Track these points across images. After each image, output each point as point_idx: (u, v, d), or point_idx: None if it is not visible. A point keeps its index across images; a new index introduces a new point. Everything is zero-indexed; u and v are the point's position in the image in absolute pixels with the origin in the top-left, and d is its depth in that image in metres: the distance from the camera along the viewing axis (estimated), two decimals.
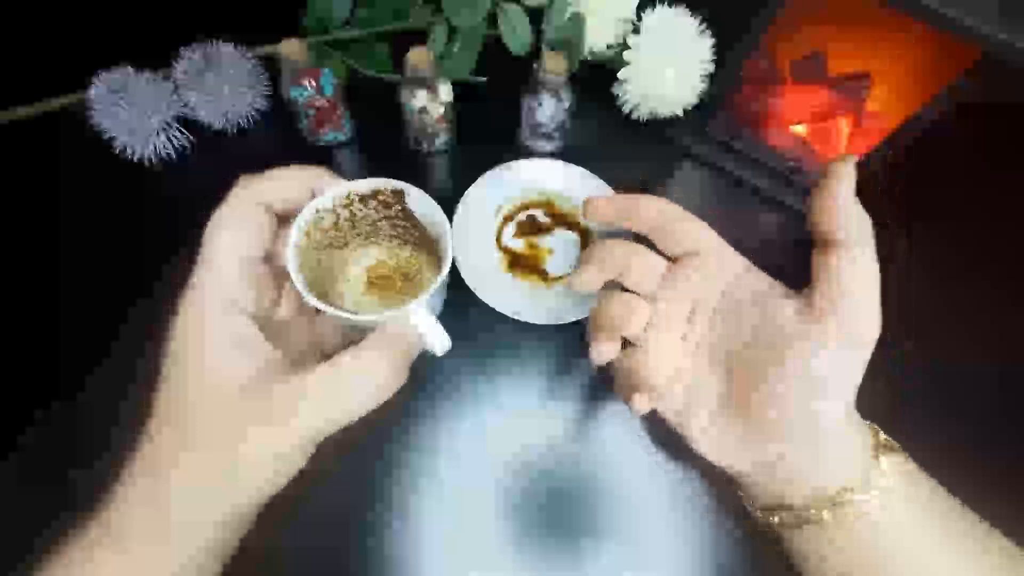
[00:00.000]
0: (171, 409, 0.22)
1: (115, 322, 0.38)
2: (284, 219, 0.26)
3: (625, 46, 0.46)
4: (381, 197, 0.28)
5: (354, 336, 0.26)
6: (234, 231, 0.23)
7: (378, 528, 0.34)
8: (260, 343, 0.22)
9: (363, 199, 0.28)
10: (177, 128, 0.44)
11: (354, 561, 0.33)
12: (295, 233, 0.25)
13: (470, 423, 0.37)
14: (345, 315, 0.24)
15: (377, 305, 0.30)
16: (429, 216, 0.28)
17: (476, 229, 0.43)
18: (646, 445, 0.37)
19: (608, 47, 0.48)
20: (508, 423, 0.37)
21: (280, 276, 0.26)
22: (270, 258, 0.25)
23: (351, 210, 0.28)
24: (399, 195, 0.28)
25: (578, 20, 0.45)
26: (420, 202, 0.28)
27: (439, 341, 0.25)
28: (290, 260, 0.24)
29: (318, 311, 0.24)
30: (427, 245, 0.30)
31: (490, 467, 0.36)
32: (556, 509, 0.35)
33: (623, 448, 0.37)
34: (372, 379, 0.22)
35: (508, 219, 0.45)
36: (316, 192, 0.26)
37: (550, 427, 0.37)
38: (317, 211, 0.26)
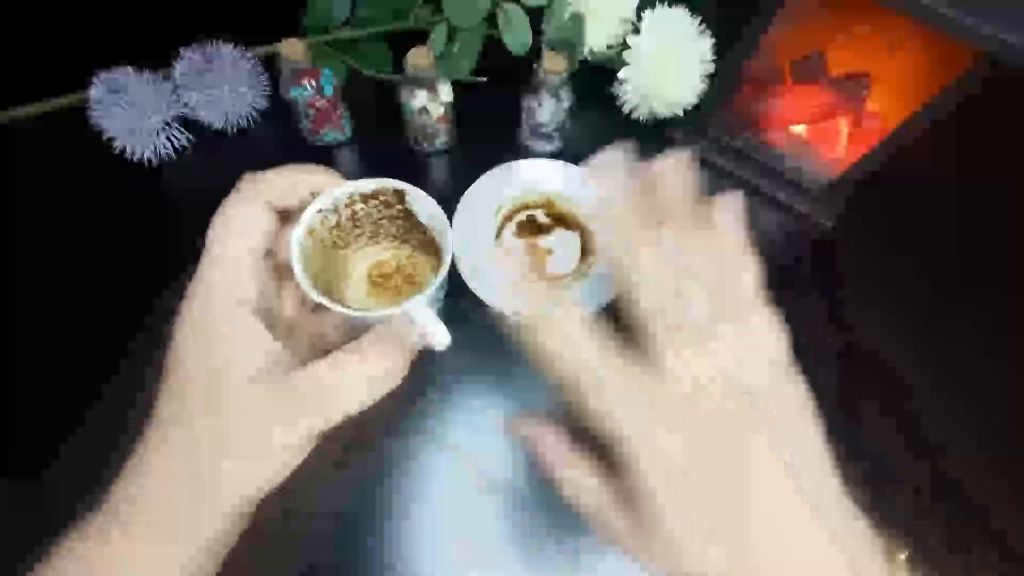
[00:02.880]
0: (177, 402, 0.22)
1: (115, 321, 0.38)
2: (286, 216, 0.26)
3: (625, 46, 0.46)
4: (382, 197, 0.28)
5: (356, 333, 0.26)
6: (239, 228, 0.24)
7: (378, 526, 0.34)
8: (265, 338, 0.23)
9: (365, 198, 0.28)
10: (177, 128, 0.44)
11: (354, 560, 0.33)
12: (300, 232, 0.25)
13: (471, 422, 0.37)
14: (346, 311, 0.24)
15: (379, 304, 0.30)
16: (429, 216, 0.28)
17: (476, 229, 0.43)
18: None
19: (608, 47, 0.48)
20: (508, 422, 0.37)
21: (281, 273, 0.26)
22: (271, 255, 0.25)
23: (353, 209, 0.28)
24: (400, 195, 0.28)
25: (578, 20, 0.45)
26: (420, 202, 0.28)
27: (439, 336, 0.25)
28: (295, 259, 0.25)
29: (317, 307, 0.24)
30: (428, 244, 0.31)
31: (490, 466, 0.36)
32: (556, 508, 0.35)
33: None
34: (370, 374, 0.23)
35: (508, 219, 0.45)
36: (319, 191, 0.26)
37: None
38: (320, 210, 0.26)
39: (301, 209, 0.26)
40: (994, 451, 0.39)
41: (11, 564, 0.21)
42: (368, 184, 0.27)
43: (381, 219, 0.30)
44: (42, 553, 0.21)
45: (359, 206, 0.28)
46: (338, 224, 0.28)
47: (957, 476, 0.37)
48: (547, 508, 0.35)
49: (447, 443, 0.36)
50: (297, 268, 0.24)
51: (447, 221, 0.27)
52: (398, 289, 0.31)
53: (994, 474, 0.38)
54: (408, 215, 0.29)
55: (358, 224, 0.29)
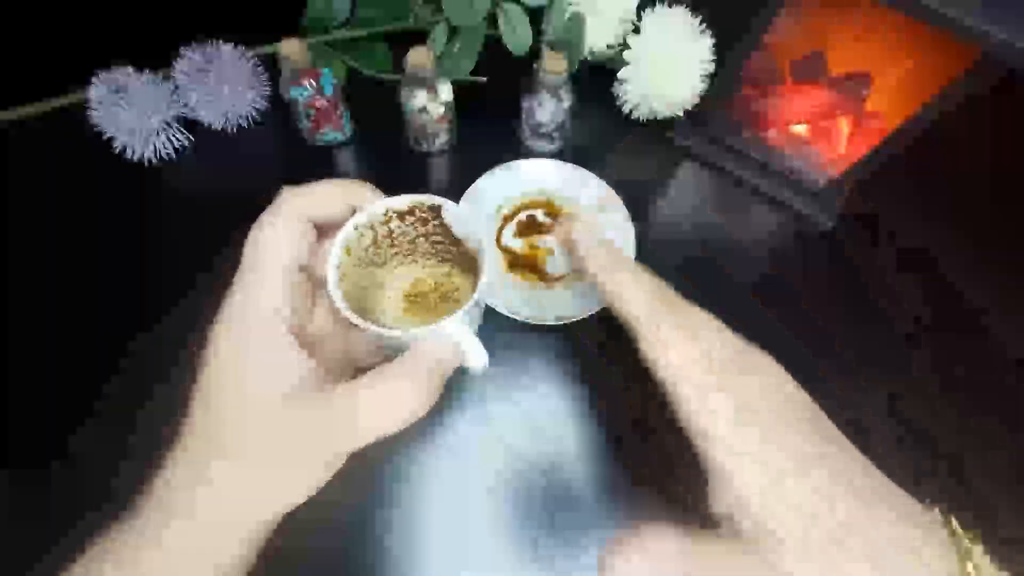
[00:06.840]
0: (207, 414, 0.22)
1: (115, 321, 0.38)
2: (323, 231, 0.26)
3: (625, 46, 0.46)
4: (419, 213, 0.28)
5: (387, 350, 0.26)
6: (277, 241, 0.23)
7: (378, 526, 0.34)
8: (298, 354, 0.22)
9: (401, 216, 0.27)
10: (177, 128, 0.44)
11: (352, 560, 0.33)
12: (336, 251, 0.25)
13: (469, 422, 0.37)
14: (381, 331, 0.23)
15: (415, 324, 0.29)
16: (466, 230, 0.28)
17: None
18: (646, 443, 0.37)
19: (608, 47, 0.48)
20: (507, 422, 0.37)
21: (316, 287, 0.26)
22: (306, 270, 0.25)
23: (389, 227, 0.28)
24: (436, 210, 0.27)
25: (578, 20, 0.45)
26: (457, 217, 0.27)
27: (478, 357, 0.25)
28: (330, 278, 0.24)
29: (351, 325, 0.23)
30: (464, 262, 0.30)
31: (489, 465, 0.36)
32: (554, 508, 0.35)
33: (622, 447, 0.37)
34: (405, 399, 0.22)
35: (508, 219, 0.45)
36: (356, 207, 0.26)
37: (549, 426, 0.37)
38: (356, 228, 0.26)
39: (338, 224, 0.25)
40: (998, 456, 0.39)
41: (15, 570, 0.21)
42: (403, 200, 0.26)
43: (417, 237, 0.29)
44: (70, 555, 0.20)
45: (395, 223, 0.27)
46: (375, 242, 0.27)
47: (969, 478, 0.37)
48: (545, 506, 0.35)
49: (444, 441, 0.36)
50: (332, 287, 0.24)
51: (484, 235, 0.27)
52: (434, 308, 0.30)
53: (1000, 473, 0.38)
54: (445, 231, 0.28)
55: (395, 242, 0.29)
